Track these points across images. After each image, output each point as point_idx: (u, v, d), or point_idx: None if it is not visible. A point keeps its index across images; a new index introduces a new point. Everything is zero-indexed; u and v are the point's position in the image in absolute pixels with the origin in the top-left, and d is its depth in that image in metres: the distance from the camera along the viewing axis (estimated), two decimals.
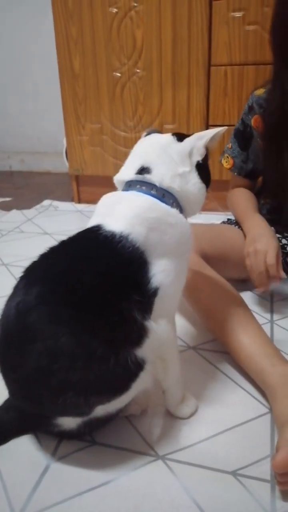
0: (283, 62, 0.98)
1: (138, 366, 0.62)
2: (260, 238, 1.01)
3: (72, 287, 0.60)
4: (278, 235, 1.16)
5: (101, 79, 1.76)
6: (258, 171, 1.19)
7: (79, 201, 2.05)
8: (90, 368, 0.58)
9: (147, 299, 0.64)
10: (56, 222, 1.81)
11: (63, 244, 0.67)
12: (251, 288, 1.18)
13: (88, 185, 1.99)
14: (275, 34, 0.97)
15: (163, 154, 0.71)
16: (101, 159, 1.88)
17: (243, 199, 1.17)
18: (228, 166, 1.21)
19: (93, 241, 0.66)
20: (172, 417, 0.76)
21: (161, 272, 0.65)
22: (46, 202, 2.08)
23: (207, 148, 0.74)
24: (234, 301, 0.92)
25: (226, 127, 0.75)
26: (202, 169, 0.73)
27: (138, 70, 1.70)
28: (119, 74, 1.73)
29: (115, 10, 1.64)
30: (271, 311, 1.09)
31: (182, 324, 1.03)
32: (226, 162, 1.21)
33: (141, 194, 0.69)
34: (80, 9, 1.68)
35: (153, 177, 0.70)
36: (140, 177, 0.71)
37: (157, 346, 0.65)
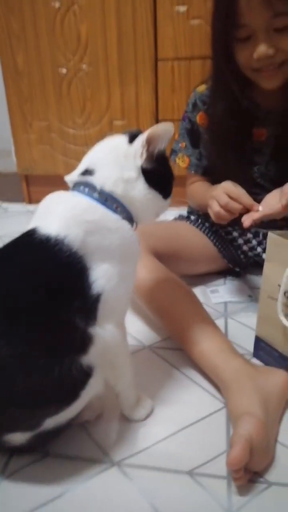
0: (225, 64, 0.96)
1: (86, 374, 0.60)
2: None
3: (6, 296, 0.58)
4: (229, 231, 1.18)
5: (46, 76, 1.71)
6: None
7: (30, 201, 1.99)
8: (33, 380, 0.55)
9: (90, 305, 0.61)
10: (6, 224, 1.75)
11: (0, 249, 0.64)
12: (205, 283, 1.19)
13: (39, 185, 1.94)
14: (215, 29, 0.96)
15: (110, 156, 0.67)
16: (50, 158, 1.83)
17: (203, 187, 1.14)
18: (184, 165, 1.18)
19: (28, 246, 0.62)
20: (127, 420, 0.74)
21: (103, 277, 0.62)
22: None
23: (157, 151, 0.67)
24: (187, 298, 0.92)
25: (168, 124, 0.67)
26: (152, 174, 0.67)
27: (84, 66, 1.66)
28: (64, 70, 1.68)
29: (57, 4, 1.60)
30: (225, 305, 1.10)
31: (136, 323, 1.02)
32: (182, 161, 1.19)
33: (81, 195, 0.66)
34: (20, 4, 1.62)
35: (95, 179, 0.66)
36: (83, 178, 0.67)
37: (104, 352, 0.63)
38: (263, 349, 0.86)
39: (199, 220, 1.20)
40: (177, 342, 0.90)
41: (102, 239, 0.63)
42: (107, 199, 0.66)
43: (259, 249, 1.17)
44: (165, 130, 0.67)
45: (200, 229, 1.18)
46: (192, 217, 1.23)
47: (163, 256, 1.02)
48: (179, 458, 0.67)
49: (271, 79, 0.94)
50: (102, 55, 1.63)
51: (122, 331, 0.69)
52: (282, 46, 0.88)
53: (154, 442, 0.70)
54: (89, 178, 0.66)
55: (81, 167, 0.69)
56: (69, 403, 0.60)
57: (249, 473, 0.62)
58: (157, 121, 1.68)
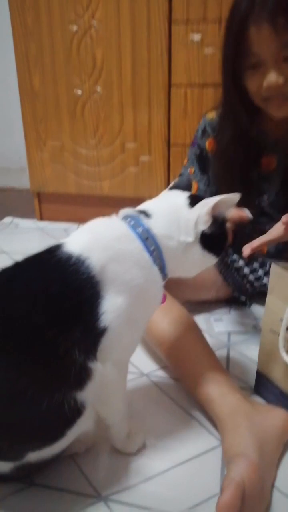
0: (235, 93, 0.96)
1: (76, 412, 0.57)
2: None
3: (2, 316, 0.55)
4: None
5: (61, 97, 1.73)
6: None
7: (41, 218, 2.00)
8: (16, 411, 0.53)
9: (93, 338, 0.58)
10: (16, 240, 1.75)
11: (15, 265, 0.61)
12: (210, 311, 1.17)
13: (51, 202, 1.95)
14: (225, 56, 0.96)
15: (170, 216, 0.67)
16: (62, 176, 1.83)
17: None
18: (193, 191, 1.17)
19: (45, 262, 0.59)
20: (118, 454, 0.71)
21: (113, 312, 0.58)
22: (7, 219, 2.02)
23: (219, 216, 0.68)
24: (187, 328, 0.89)
25: (234, 195, 0.68)
26: (209, 238, 0.68)
27: (98, 89, 1.69)
28: (80, 92, 1.71)
29: (75, 28, 1.63)
30: (228, 335, 1.07)
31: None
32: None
33: (123, 224, 0.65)
34: (39, 27, 1.66)
35: (148, 222, 0.66)
36: (136, 214, 0.67)
37: (100, 389, 0.60)
38: (264, 385, 0.83)
39: None
40: (174, 372, 0.87)
41: (125, 271, 0.61)
42: (148, 239, 0.64)
43: (265, 280, 1.14)
44: (231, 200, 0.68)
45: None
46: None
47: (167, 282, 1.00)
48: (169, 498, 0.64)
49: (280, 108, 0.94)
50: (116, 78, 1.65)
51: (123, 371, 0.66)
52: None
53: (143, 479, 0.67)
54: (142, 217, 0.66)
55: (139, 207, 0.69)
56: (53, 441, 0.57)
57: None
58: (168, 144, 1.68)
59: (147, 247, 0.64)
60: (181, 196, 0.71)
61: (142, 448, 0.72)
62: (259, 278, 1.15)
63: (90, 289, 0.57)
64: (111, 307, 0.58)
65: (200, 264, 0.72)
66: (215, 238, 0.69)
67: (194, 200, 0.69)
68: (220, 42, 1.12)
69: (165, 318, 0.89)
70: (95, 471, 0.68)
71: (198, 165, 1.16)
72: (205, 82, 1.57)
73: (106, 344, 0.59)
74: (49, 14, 1.64)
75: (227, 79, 0.97)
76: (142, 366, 0.94)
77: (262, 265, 1.14)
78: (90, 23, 1.61)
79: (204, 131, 1.12)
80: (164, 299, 0.72)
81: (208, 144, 1.11)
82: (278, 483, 0.66)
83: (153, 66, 1.60)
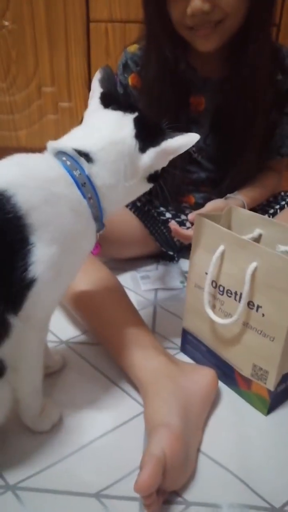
0: (157, 21, 0.85)
1: None
2: None
3: None
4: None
5: None
6: None
7: None
8: None
9: (18, 289, 0.50)
10: None
11: None
12: (136, 268, 1.09)
13: None
14: None
15: (116, 161, 0.58)
16: None
17: None
18: None
19: None
20: (29, 433, 0.63)
21: (44, 262, 0.51)
22: None
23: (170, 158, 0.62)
24: (108, 288, 0.81)
25: (193, 137, 0.60)
26: (153, 176, 0.63)
27: (6, 23, 1.47)
28: None
29: None
30: (155, 292, 1.00)
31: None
32: None
33: (57, 163, 0.56)
34: None
35: (89, 168, 0.57)
36: (74, 154, 0.56)
37: (14, 351, 0.53)
38: (190, 343, 0.78)
39: None
40: (96, 336, 0.80)
41: (61, 215, 0.53)
42: (86, 185, 0.56)
43: None
44: (186, 145, 0.60)
45: (130, 209, 1.07)
46: None
47: None
48: (86, 478, 0.58)
49: (206, 39, 0.83)
50: (27, 11, 1.45)
51: (43, 332, 0.60)
52: (218, 2, 0.77)
53: (57, 460, 0.60)
54: (82, 160, 0.56)
55: (78, 143, 0.58)
56: None
57: (163, 494, 0.54)
58: (89, 87, 1.53)
59: (83, 194, 0.57)
60: (127, 128, 0.60)
61: (57, 424, 0.65)
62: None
63: (17, 233, 0.49)
64: (43, 256, 0.51)
65: (134, 195, 0.65)
66: (157, 174, 0.64)
67: (142, 133, 0.60)
68: None
69: (84, 278, 0.80)
70: (2, 457, 0.60)
71: None
72: (128, 18, 1.42)
73: (32, 299, 0.52)
74: None
75: (149, 4, 0.85)
76: (61, 333, 0.85)
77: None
78: None
79: (125, 66, 1.00)
80: (97, 248, 0.65)
81: (131, 79, 0.99)
82: (205, 447, 0.62)
83: None
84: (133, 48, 0.99)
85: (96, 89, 0.66)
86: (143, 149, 0.60)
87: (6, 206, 0.49)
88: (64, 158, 0.57)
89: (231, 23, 0.81)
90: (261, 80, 0.89)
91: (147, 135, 0.60)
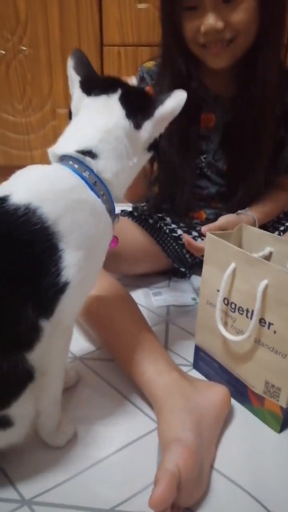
0: (172, 39, 0.89)
1: (27, 374, 0.54)
2: None
3: None
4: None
5: None
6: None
7: None
8: None
9: (51, 294, 0.52)
10: None
11: None
12: (148, 285, 1.11)
13: None
14: (164, 8, 0.88)
15: (117, 146, 0.60)
16: None
17: None
18: None
19: None
20: (44, 448, 0.64)
21: (75, 266, 0.54)
22: None
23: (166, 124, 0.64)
24: (121, 303, 0.82)
25: (181, 95, 0.61)
26: (152, 144, 0.65)
27: (24, 48, 1.53)
28: (3, 52, 1.54)
29: None
30: (168, 309, 1.01)
31: None
32: None
33: (68, 170, 0.57)
34: None
35: (96, 165, 0.58)
36: (79, 156, 0.58)
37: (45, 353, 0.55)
38: (203, 360, 0.79)
39: (142, 217, 1.11)
40: (110, 353, 0.81)
41: (83, 221, 0.55)
42: (96, 184, 0.58)
43: None
44: (179, 105, 0.61)
45: (143, 227, 1.09)
46: (135, 213, 1.14)
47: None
48: (101, 493, 0.58)
49: (218, 57, 0.87)
50: (43, 35, 1.50)
51: (68, 339, 0.62)
52: (231, 21, 0.81)
53: (73, 475, 0.61)
54: (87, 159, 0.58)
55: (78, 142, 0.59)
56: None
57: (178, 510, 0.54)
58: None
59: (96, 193, 0.59)
60: (116, 111, 0.61)
61: (72, 440, 0.66)
62: None
63: (46, 240, 0.52)
64: (73, 260, 0.54)
65: (138, 169, 0.66)
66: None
67: (132, 110, 0.61)
68: None
69: (96, 293, 0.82)
70: (19, 471, 0.61)
71: None
72: (140, 41, 1.47)
73: (65, 302, 0.54)
74: None
75: (165, 22, 0.90)
76: (75, 349, 0.86)
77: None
78: None
79: (142, 79, 1.03)
80: (115, 242, 0.67)
81: (147, 90, 1.02)
82: (217, 463, 0.63)
83: (82, 20, 1.46)
84: (150, 64, 1.02)
85: (74, 78, 0.65)
86: (138, 125, 0.61)
87: (33, 218, 0.51)
88: (70, 162, 0.58)
89: (242, 42, 0.84)
90: (270, 98, 0.91)
91: (138, 110, 0.61)
